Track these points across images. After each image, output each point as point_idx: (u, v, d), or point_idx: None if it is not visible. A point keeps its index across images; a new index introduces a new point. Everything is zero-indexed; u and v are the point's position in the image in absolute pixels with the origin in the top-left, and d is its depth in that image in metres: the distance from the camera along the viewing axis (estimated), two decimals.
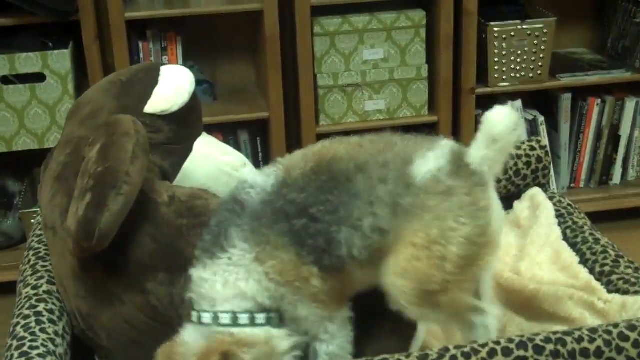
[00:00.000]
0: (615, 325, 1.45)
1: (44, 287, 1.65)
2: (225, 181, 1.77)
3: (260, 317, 1.44)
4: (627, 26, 3.23)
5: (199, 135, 1.79)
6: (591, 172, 3.28)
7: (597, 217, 3.08)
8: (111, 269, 1.57)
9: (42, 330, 1.53)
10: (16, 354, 1.45)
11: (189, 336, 1.44)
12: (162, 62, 1.81)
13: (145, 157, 1.55)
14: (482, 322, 1.49)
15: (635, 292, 1.72)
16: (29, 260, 1.75)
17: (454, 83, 3.06)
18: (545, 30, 3.06)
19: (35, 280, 1.67)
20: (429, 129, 3.02)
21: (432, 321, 1.53)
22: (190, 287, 1.48)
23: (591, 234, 1.94)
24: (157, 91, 1.70)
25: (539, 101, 3.25)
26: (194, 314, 1.46)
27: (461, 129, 3.06)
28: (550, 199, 2.02)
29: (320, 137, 2.95)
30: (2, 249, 3.00)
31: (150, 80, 1.71)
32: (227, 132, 3.01)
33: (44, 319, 1.56)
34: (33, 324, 1.54)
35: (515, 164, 2.06)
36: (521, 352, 1.39)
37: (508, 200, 1.99)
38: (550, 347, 1.40)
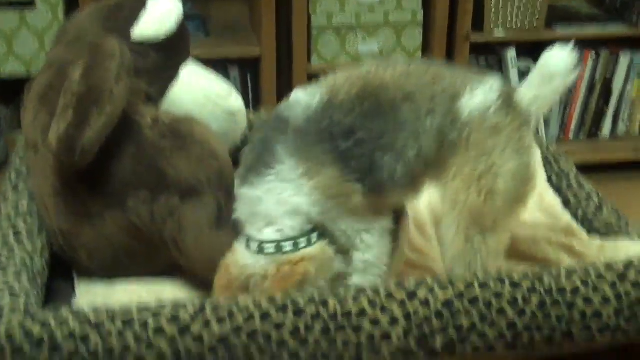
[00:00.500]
0: (593, 266, 1.45)
1: (25, 206, 1.65)
2: (211, 109, 1.77)
3: (314, 236, 1.48)
4: None
5: (185, 62, 1.79)
6: (581, 124, 3.27)
7: (584, 169, 3.06)
8: (92, 187, 1.57)
9: (19, 247, 1.52)
10: None
11: (247, 259, 1.46)
12: None
13: (129, 79, 1.55)
14: None
15: (617, 237, 1.73)
16: (11, 180, 1.74)
17: (449, 29, 3.03)
18: None
19: (16, 198, 1.67)
20: None
21: (464, 262, 1.51)
22: (238, 206, 1.50)
23: (576, 180, 1.94)
24: (144, 17, 1.69)
25: (533, 51, 3.22)
26: (249, 241, 1.47)
27: None
28: (539, 145, 2.02)
29: (312, 77, 2.94)
30: None
31: (138, 6, 1.71)
32: (217, 68, 2.93)
33: (22, 237, 1.56)
34: (11, 240, 1.54)
35: None
36: (498, 288, 1.39)
37: None
38: (527, 283, 1.40)
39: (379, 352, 1.34)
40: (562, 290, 1.41)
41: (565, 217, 1.79)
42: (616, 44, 3.23)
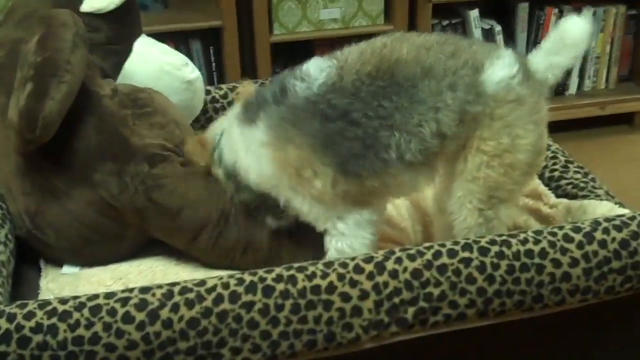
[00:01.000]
0: (560, 227, 1.46)
1: None
2: (167, 81, 1.76)
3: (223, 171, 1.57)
4: None
5: (138, 35, 1.78)
6: None
7: (552, 127, 3.07)
8: (56, 163, 1.55)
9: None
10: None
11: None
12: None
13: (85, 47, 1.53)
14: None
15: (584, 197, 1.74)
16: None
17: None
18: None
19: None
20: None
21: (474, 235, 1.51)
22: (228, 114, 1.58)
23: None
24: None
25: (496, 10, 3.21)
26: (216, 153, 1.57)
27: None
28: None
29: (275, 46, 2.92)
30: None
31: None
32: (178, 41, 2.94)
33: None
34: None
35: None
36: (466, 254, 1.40)
37: None
38: (495, 248, 1.41)
39: (350, 326, 1.34)
40: (529, 254, 1.41)
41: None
42: (578, 0, 3.22)
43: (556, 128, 3.08)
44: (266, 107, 1.47)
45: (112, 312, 1.28)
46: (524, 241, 1.42)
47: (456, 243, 1.41)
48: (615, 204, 1.68)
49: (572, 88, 3.30)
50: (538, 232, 1.44)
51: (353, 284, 1.35)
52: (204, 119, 1.99)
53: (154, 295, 1.30)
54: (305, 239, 1.60)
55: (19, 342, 1.25)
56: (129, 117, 1.58)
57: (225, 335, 1.30)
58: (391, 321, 1.36)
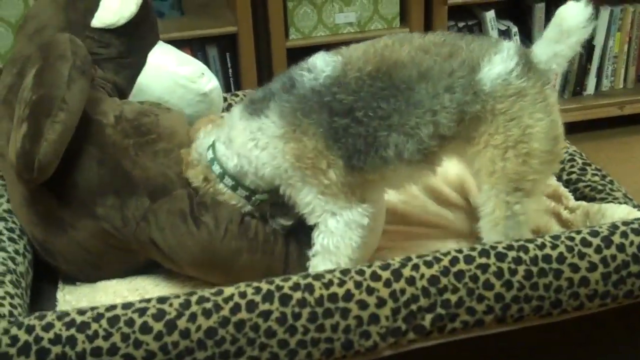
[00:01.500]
0: (578, 232, 1.45)
1: (4, 206, 1.63)
2: (181, 94, 1.74)
3: (229, 182, 1.55)
4: None
5: (152, 46, 1.76)
6: (565, 83, 3.25)
7: (571, 128, 3.04)
8: (60, 196, 1.54)
9: (2, 249, 1.51)
10: None
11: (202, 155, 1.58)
12: None
13: (84, 78, 1.51)
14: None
15: (601, 199, 1.73)
16: None
17: None
18: None
19: None
20: None
21: (502, 230, 1.50)
22: (226, 117, 1.58)
23: None
24: (103, 3, 1.67)
25: (512, 11, 3.20)
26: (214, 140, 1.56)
27: None
28: None
29: (291, 51, 2.92)
30: None
31: None
32: (195, 48, 2.95)
33: (4, 237, 1.55)
34: None
35: None
36: (483, 260, 1.39)
37: None
38: (512, 254, 1.40)
39: (368, 334, 1.34)
40: (547, 259, 1.40)
41: (551, 181, 1.78)
42: None
43: (575, 128, 3.08)
44: (276, 97, 1.49)
45: (130, 323, 1.28)
46: (542, 246, 1.42)
47: (473, 249, 1.41)
48: (634, 206, 1.67)
49: (590, 88, 3.28)
50: (555, 237, 1.44)
51: (370, 291, 1.35)
52: None
53: (171, 305, 1.31)
54: None
55: (38, 354, 1.25)
56: (130, 147, 1.56)
57: (243, 344, 1.30)
58: (409, 328, 1.36)
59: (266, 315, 1.31)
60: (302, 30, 2.95)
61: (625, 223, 1.46)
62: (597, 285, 1.41)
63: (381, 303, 1.34)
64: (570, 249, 1.42)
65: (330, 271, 1.38)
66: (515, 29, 3.12)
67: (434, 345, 1.38)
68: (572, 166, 1.84)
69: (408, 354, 1.37)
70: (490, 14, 3.08)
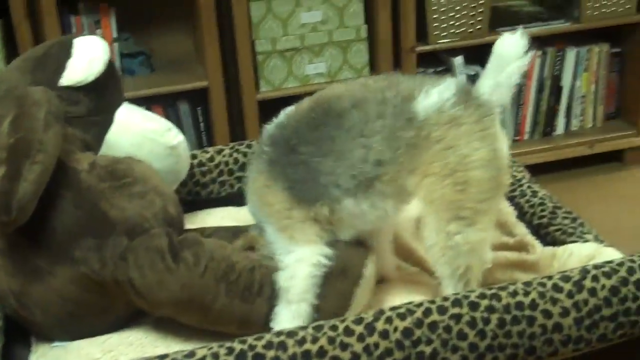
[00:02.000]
0: (549, 277, 1.45)
1: None
2: (150, 148, 1.76)
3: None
4: None
5: (119, 104, 1.78)
6: (535, 124, 3.28)
7: (541, 169, 3.11)
8: (36, 242, 1.54)
9: None
10: None
11: None
12: (75, 35, 1.82)
13: (58, 124, 1.53)
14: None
15: (572, 242, 1.74)
16: None
17: (394, 42, 3.03)
18: None
19: None
20: None
21: (447, 260, 1.52)
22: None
23: (529, 187, 1.94)
24: (71, 63, 1.69)
25: (480, 56, 3.23)
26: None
27: None
28: None
29: (262, 103, 2.94)
30: None
31: (63, 53, 1.70)
32: (166, 104, 2.96)
33: None
34: None
35: None
36: (456, 310, 1.39)
37: None
38: (485, 302, 1.40)
39: None
40: (520, 306, 1.41)
41: (519, 230, 1.79)
42: (561, 41, 3.25)
43: (545, 169, 3.13)
44: (257, 146, 1.63)
45: None
46: (514, 293, 1.42)
47: (445, 299, 1.41)
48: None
49: (560, 128, 3.31)
50: (527, 284, 1.44)
51: (344, 347, 1.34)
52: (191, 183, 1.99)
53: None
54: None
55: None
56: (107, 190, 1.57)
57: None
58: None
59: None
60: (273, 82, 2.98)
61: (596, 266, 1.46)
62: (571, 331, 1.41)
63: (355, 358, 1.34)
64: (542, 295, 1.42)
65: (304, 327, 1.37)
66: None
67: None
68: (543, 210, 1.85)
69: None
70: (458, 60, 3.12)
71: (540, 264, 1.66)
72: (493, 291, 1.42)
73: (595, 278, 1.44)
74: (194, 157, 2.00)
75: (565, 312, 1.41)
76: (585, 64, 3.26)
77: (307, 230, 1.55)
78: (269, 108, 3.02)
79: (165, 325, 1.60)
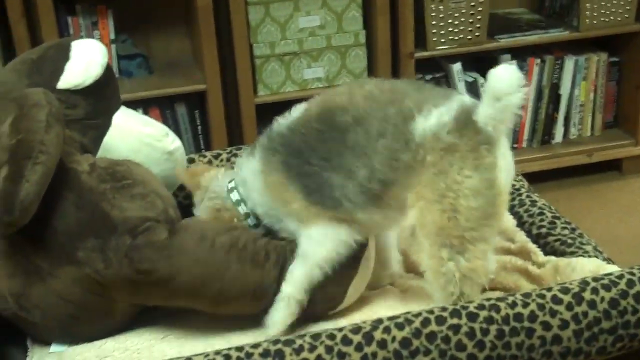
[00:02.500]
0: (549, 289, 1.44)
1: None
2: (147, 152, 1.76)
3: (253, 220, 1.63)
4: None
5: (117, 108, 1.77)
6: (533, 132, 3.28)
7: (540, 177, 3.10)
8: (38, 244, 1.53)
9: None
10: None
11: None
12: (73, 37, 1.80)
13: (59, 125, 1.52)
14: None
15: (572, 253, 1.73)
16: None
17: (393, 48, 3.02)
18: None
19: None
20: None
21: (440, 285, 1.51)
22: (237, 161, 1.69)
23: (528, 196, 1.94)
24: (68, 66, 1.67)
25: (478, 63, 3.23)
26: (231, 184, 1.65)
27: None
28: None
29: (259, 107, 2.93)
30: None
31: (61, 56, 1.69)
32: (164, 106, 2.95)
33: None
34: None
35: None
36: (455, 320, 1.38)
37: None
38: (484, 313, 1.39)
39: None
40: (519, 317, 1.40)
41: (519, 237, 1.79)
42: (560, 49, 3.24)
43: (544, 177, 3.12)
44: (261, 140, 1.60)
45: None
46: (513, 304, 1.41)
47: (444, 309, 1.40)
48: (604, 260, 1.67)
49: (558, 137, 3.31)
50: (526, 295, 1.43)
51: (342, 356, 1.33)
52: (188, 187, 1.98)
53: None
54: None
55: None
56: (108, 191, 1.56)
57: None
58: None
59: None
60: (271, 86, 2.97)
61: (595, 279, 1.46)
62: (570, 343, 1.41)
63: None
64: (541, 307, 1.41)
65: (301, 336, 1.36)
66: (482, 81, 3.14)
67: None
68: (542, 220, 1.84)
69: None
70: (457, 67, 3.12)
71: (543, 277, 1.66)
72: (492, 302, 1.41)
73: (594, 290, 1.43)
74: (191, 160, 1.99)
75: (564, 324, 1.40)
76: (584, 72, 3.25)
77: (327, 223, 1.54)
78: (267, 112, 3.01)
79: (162, 330, 1.59)
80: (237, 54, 2.89)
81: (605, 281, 1.45)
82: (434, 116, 1.47)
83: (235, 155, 2.03)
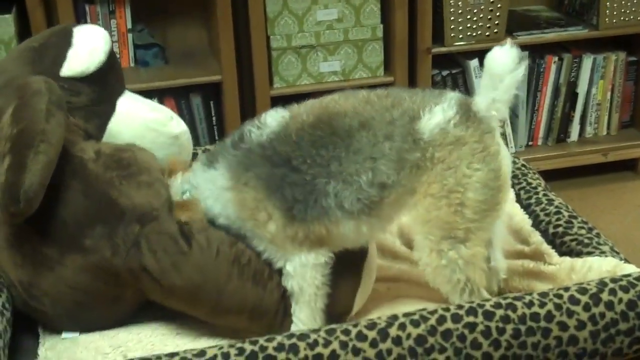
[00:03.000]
0: (566, 289, 1.43)
1: None
2: (152, 138, 1.73)
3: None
4: None
5: (121, 94, 1.76)
6: (549, 130, 3.26)
7: (555, 175, 3.08)
8: (46, 233, 1.53)
9: None
10: None
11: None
12: (75, 24, 1.78)
13: (61, 113, 1.52)
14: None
15: (588, 253, 1.71)
16: None
17: (410, 43, 3.01)
18: None
19: None
20: None
21: (445, 277, 1.51)
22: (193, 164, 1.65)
23: (545, 195, 1.92)
24: (71, 53, 1.67)
25: None
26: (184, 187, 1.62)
27: None
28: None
29: (274, 99, 2.91)
30: None
31: (63, 43, 1.68)
32: (179, 96, 2.94)
33: None
34: None
35: None
36: (471, 319, 1.37)
37: None
38: (500, 312, 1.39)
39: None
40: (535, 317, 1.39)
41: (534, 238, 1.77)
42: (578, 47, 3.22)
43: (559, 175, 3.10)
44: (224, 152, 1.55)
45: None
46: (530, 304, 1.40)
47: (460, 307, 1.39)
48: (621, 260, 1.66)
49: (574, 135, 3.29)
50: (543, 295, 1.42)
51: (356, 352, 1.32)
52: None
53: None
54: None
55: None
56: (115, 179, 1.56)
57: None
58: None
59: None
60: (287, 79, 2.96)
61: (613, 280, 1.44)
62: (586, 344, 1.40)
63: None
64: (558, 307, 1.40)
65: (316, 331, 1.35)
66: None
67: None
68: (559, 219, 1.82)
69: None
70: (474, 63, 3.10)
71: (558, 276, 1.64)
72: (508, 301, 1.40)
73: (612, 291, 1.42)
74: (206, 151, 1.98)
75: (581, 325, 1.39)
76: (602, 71, 3.23)
77: (297, 245, 1.53)
78: (282, 104, 3.01)
79: (175, 323, 1.60)
80: (253, 45, 2.88)
81: (624, 282, 1.44)
82: (438, 112, 1.49)
83: None
